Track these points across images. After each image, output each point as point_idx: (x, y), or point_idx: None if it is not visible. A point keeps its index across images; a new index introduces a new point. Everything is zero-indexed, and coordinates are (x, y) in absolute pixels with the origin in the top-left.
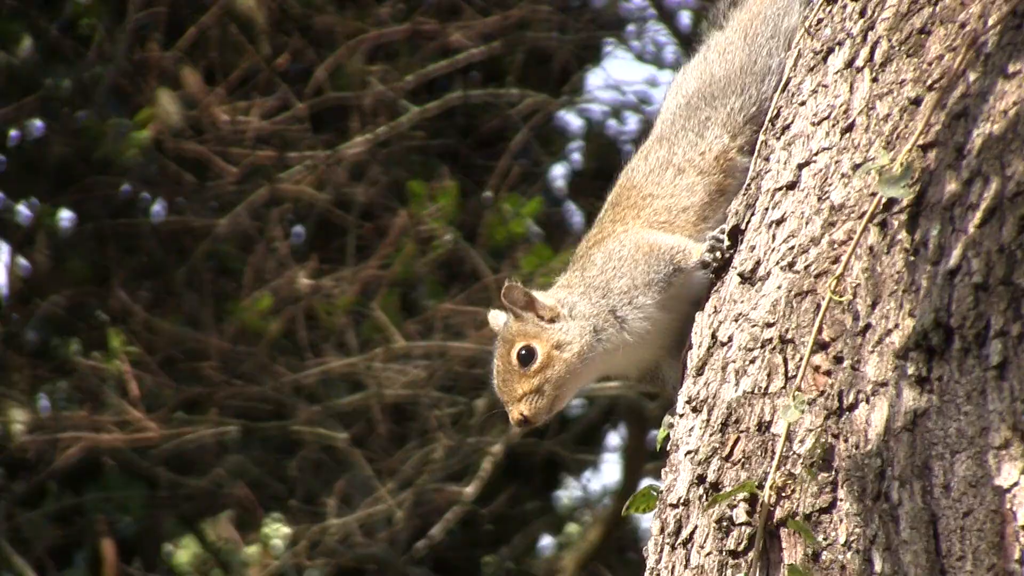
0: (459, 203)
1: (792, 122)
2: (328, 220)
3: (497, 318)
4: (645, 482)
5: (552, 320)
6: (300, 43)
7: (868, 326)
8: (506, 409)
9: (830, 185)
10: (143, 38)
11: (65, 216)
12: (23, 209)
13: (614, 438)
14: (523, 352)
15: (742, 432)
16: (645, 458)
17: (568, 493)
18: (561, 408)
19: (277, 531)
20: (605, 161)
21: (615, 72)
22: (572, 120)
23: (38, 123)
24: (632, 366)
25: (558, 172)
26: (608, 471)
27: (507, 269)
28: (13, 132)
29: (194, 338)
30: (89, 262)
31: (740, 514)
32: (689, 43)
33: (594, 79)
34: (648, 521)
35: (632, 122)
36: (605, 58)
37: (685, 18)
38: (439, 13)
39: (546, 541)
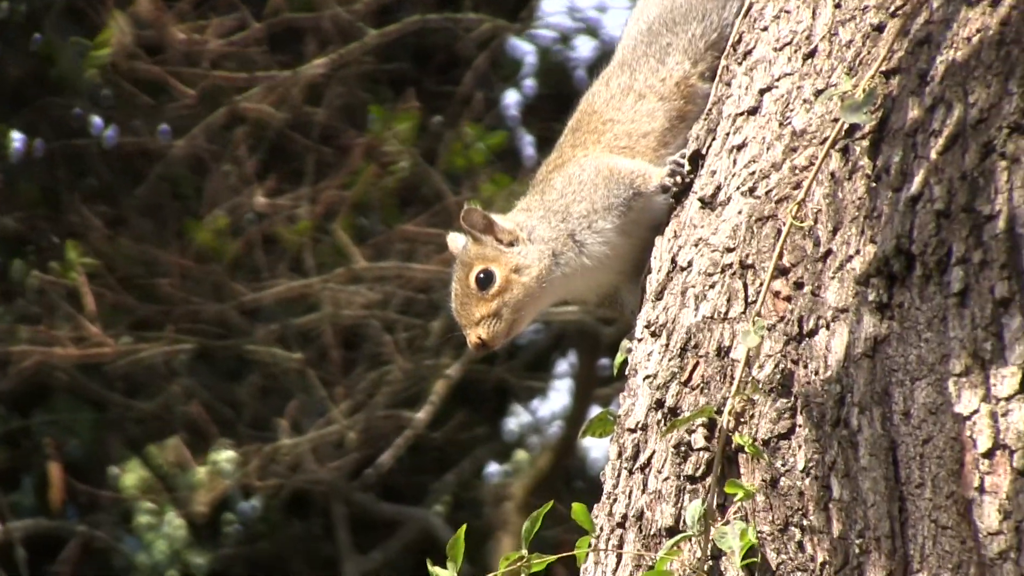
0: (416, 126)
1: (754, 47)
2: (284, 144)
3: (456, 241)
4: (595, 409)
5: (511, 244)
6: None
7: (829, 252)
8: (464, 333)
9: (792, 111)
10: None
11: (17, 139)
12: None
13: (563, 365)
14: (481, 276)
15: (701, 357)
16: (596, 384)
17: (517, 420)
18: (519, 332)
19: (225, 456)
20: (557, 88)
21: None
22: (524, 47)
23: None
24: (590, 291)
25: (511, 99)
26: (557, 398)
27: (467, 193)
28: None
29: (151, 256)
30: (40, 185)
31: (698, 439)
32: None
33: (548, 5)
34: (599, 449)
35: (584, 48)
36: None
37: None
38: None
39: (494, 468)
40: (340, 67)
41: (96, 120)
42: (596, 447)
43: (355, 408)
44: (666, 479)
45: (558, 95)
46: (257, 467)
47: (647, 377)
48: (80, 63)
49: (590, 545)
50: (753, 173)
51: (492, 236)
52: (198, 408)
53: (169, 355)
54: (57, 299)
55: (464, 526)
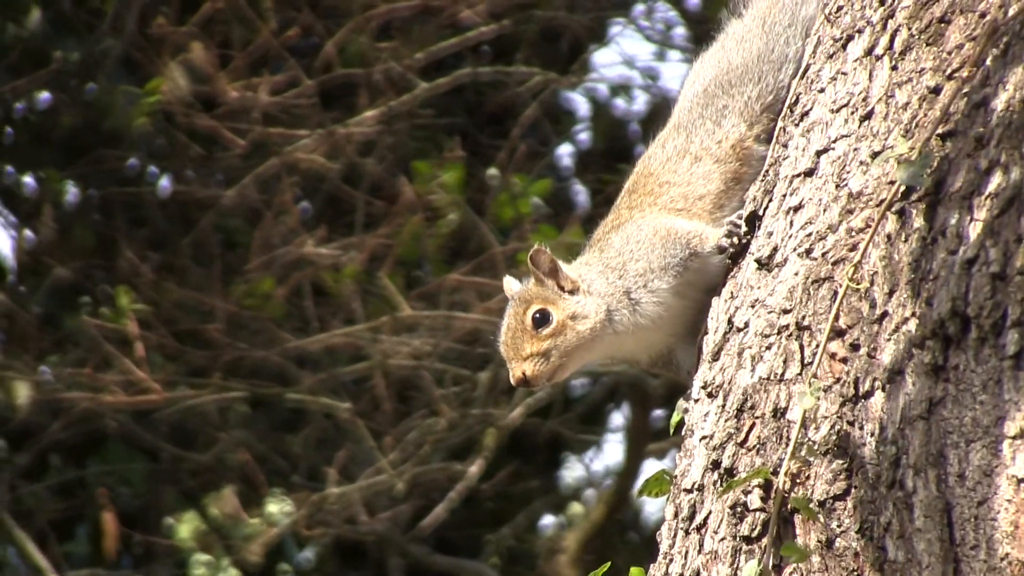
0: (465, 179)
1: (811, 109)
2: (335, 196)
3: (512, 284)
4: (648, 462)
5: (572, 292)
6: (309, 18)
7: (885, 314)
8: (508, 366)
9: (848, 172)
10: (154, 11)
11: (71, 189)
12: (29, 181)
13: (617, 418)
14: (538, 315)
15: (757, 418)
16: (648, 438)
17: (571, 472)
18: (561, 380)
19: (281, 508)
20: (612, 141)
21: (623, 49)
22: (579, 100)
23: (45, 95)
24: (642, 350)
25: (564, 151)
26: (611, 451)
27: (514, 244)
28: (19, 104)
29: (200, 302)
30: (95, 234)
31: (754, 500)
32: (697, 24)
33: (601, 58)
34: (654, 502)
35: (640, 101)
36: (612, 38)
37: (694, 1)
38: None
39: (548, 520)
40: (392, 120)
41: (150, 169)
42: (650, 500)
43: (404, 458)
44: (722, 539)
45: (612, 147)
46: (305, 516)
47: (703, 438)
48: (132, 112)
49: None
50: (810, 235)
51: (555, 281)
52: (250, 459)
53: (220, 403)
54: (106, 344)
55: None
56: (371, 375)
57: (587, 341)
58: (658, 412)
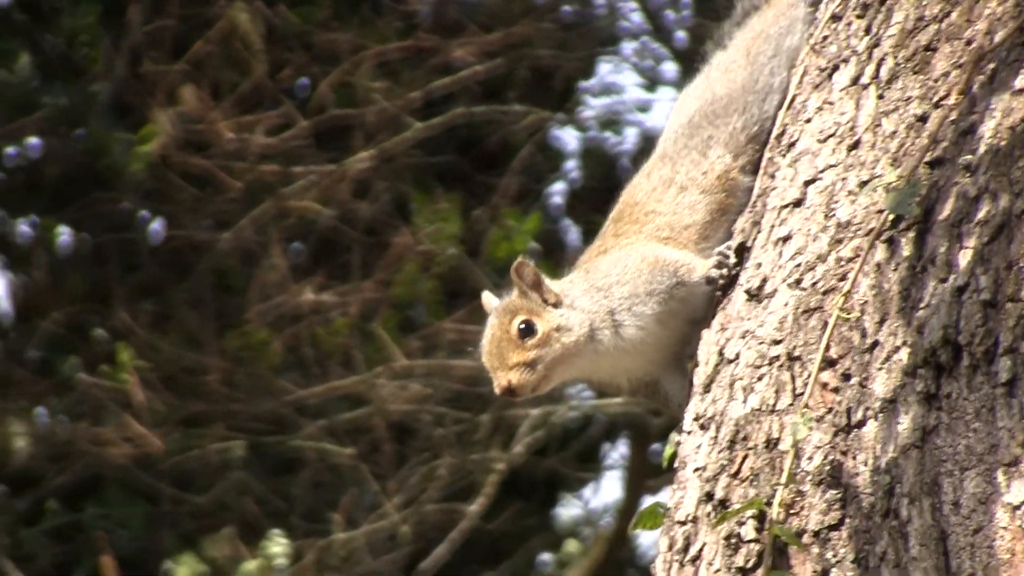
0: (460, 220)
1: (798, 139)
2: (330, 237)
3: (491, 300)
4: (646, 499)
5: (555, 305)
6: (303, 59)
7: (876, 343)
8: (493, 375)
9: (836, 202)
10: (143, 55)
11: (63, 233)
12: (23, 226)
13: (614, 455)
14: (523, 325)
15: (750, 449)
16: (646, 475)
17: (568, 510)
18: (543, 391)
19: (277, 547)
20: (603, 179)
21: (615, 81)
22: (569, 139)
23: (35, 140)
24: (621, 374)
25: (556, 189)
26: (609, 488)
27: (508, 285)
28: (10, 150)
29: (196, 357)
30: (88, 279)
31: (749, 531)
32: (685, 60)
33: (591, 94)
34: (652, 539)
35: (630, 136)
36: (601, 74)
37: (682, 37)
38: (441, 30)
39: (545, 557)
40: (386, 160)
41: (143, 214)
42: (647, 537)
43: (407, 502)
44: (717, 571)
45: (603, 186)
46: (313, 561)
47: (696, 469)
48: (126, 157)
49: None
50: (799, 265)
51: (539, 294)
52: (250, 502)
53: (218, 451)
54: (106, 400)
55: None
56: (369, 423)
57: (571, 354)
58: (656, 449)
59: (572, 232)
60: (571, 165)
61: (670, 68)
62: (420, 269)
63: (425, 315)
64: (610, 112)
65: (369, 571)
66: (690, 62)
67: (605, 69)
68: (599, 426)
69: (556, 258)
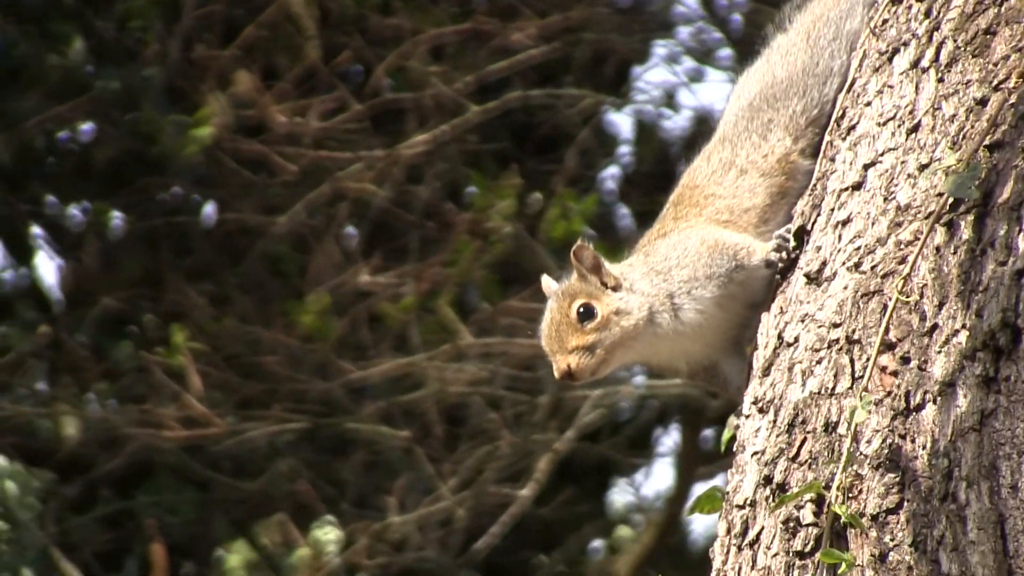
0: (517, 200)
1: (858, 123)
2: (385, 222)
3: (550, 283)
4: (698, 485)
5: (615, 288)
6: (358, 43)
7: (935, 326)
8: (552, 359)
9: (896, 185)
10: (197, 39)
11: (116, 217)
12: (74, 212)
13: (667, 441)
14: (582, 309)
15: (809, 433)
16: (699, 461)
17: (620, 496)
18: (603, 375)
19: (328, 534)
20: (656, 164)
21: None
22: (623, 123)
23: (87, 125)
24: (680, 358)
25: (608, 174)
26: (660, 474)
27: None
28: (62, 134)
29: (254, 334)
30: (140, 264)
31: (807, 515)
32: (740, 45)
33: (647, 78)
34: (703, 525)
35: (683, 118)
36: (655, 60)
37: (736, 21)
38: (498, 13)
39: (597, 544)
40: (441, 145)
41: (196, 198)
42: (699, 524)
43: (463, 485)
44: (775, 555)
45: (655, 171)
46: (366, 546)
47: (755, 453)
48: (180, 141)
49: None
50: (858, 248)
51: (598, 277)
52: (302, 486)
53: (274, 434)
54: (162, 379)
55: None
56: (424, 406)
57: (630, 338)
58: (708, 434)
59: (625, 217)
60: (624, 150)
61: (725, 52)
62: (477, 250)
63: (479, 298)
64: (665, 90)
65: (422, 556)
66: (745, 47)
67: (661, 52)
68: (651, 412)
69: (609, 243)
